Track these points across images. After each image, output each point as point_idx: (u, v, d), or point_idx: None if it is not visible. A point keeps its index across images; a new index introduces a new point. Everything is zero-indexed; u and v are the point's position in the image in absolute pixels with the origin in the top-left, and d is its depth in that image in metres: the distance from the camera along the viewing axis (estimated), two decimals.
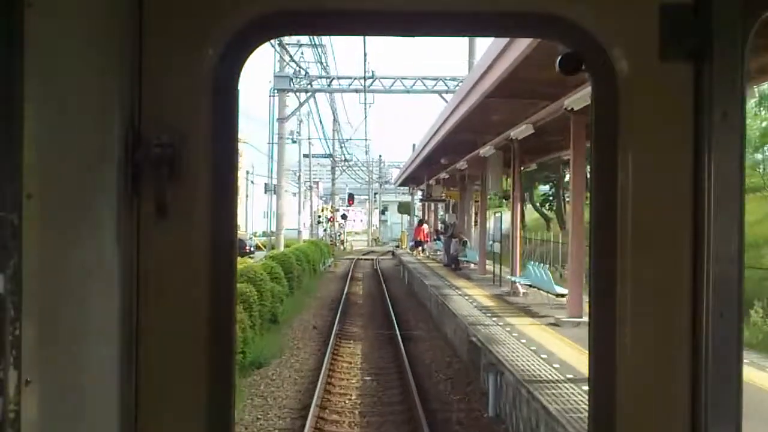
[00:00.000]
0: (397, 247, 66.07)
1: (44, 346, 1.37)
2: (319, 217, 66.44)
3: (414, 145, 53.51)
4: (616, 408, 1.88)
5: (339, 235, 70.65)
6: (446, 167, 32.72)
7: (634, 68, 1.85)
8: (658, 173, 1.86)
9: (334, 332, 21.67)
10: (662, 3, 1.83)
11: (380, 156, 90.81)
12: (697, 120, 1.83)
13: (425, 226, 50.12)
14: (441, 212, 51.27)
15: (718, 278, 1.80)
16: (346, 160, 69.59)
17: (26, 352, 1.28)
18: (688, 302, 1.84)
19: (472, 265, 32.72)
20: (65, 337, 1.51)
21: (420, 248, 47.38)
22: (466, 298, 22.35)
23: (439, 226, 46.03)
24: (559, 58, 1.96)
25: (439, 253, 42.39)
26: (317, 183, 74.58)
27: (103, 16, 1.68)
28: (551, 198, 50.52)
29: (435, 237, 45.30)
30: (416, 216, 70.42)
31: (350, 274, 43.50)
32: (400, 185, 65.09)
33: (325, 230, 65.44)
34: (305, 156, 64.91)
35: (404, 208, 66.49)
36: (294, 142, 56.92)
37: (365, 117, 51.40)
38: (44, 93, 1.37)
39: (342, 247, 69.53)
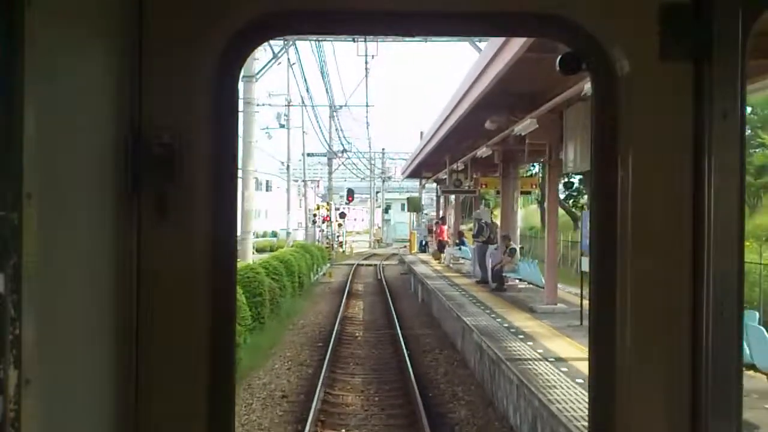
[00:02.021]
0: (406, 247, 53.92)
1: (44, 345, 1.36)
2: (314, 215, 56.33)
3: (422, 133, 43.94)
4: (617, 408, 1.88)
5: (337, 236, 60.42)
6: (491, 136, 21.78)
7: (634, 68, 1.86)
8: (658, 173, 1.87)
9: (314, 408, 11.80)
10: (662, 3, 1.83)
11: (383, 149, 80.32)
12: (697, 120, 1.83)
13: (443, 226, 39.17)
14: (461, 209, 40.56)
15: (719, 277, 1.80)
16: (344, 150, 59.18)
17: (26, 351, 1.27)
18: (688, 301, 1.84)
19: (519, 283, 22.24)
20: (65, 337, 1.50)
21: (442, 254, 36.60)
22: (563, 368, 11.52)
23: (462, 227, 35.34)
24: (559, 57, 1.97)
25: (462, 262, 31.79)
26: (317, 182, 64.74)
27: (103, 15, 1.68)
28: (576, 194, 40.67)
29: (457, 241, 34.54)
30: (425, 214, 60.14)
31: (348, 286, 33.30)
32: (409, 177, 53.77)
33: (321, 231, 55.84)
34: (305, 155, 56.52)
35: (413, 205, 54.97)
36: (282, 126, 46.57)
37: (366, 74, 40.35)
38: (44, 93, 1.36)
39: (341, 250, 59.78)
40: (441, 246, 36.57)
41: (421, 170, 41.79)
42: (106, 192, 1.70)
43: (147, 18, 1.79)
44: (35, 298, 1.30)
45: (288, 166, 48.62)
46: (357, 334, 20.97)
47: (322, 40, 30.93)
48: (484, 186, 30.26)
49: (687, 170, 1.83)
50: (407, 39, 28.73)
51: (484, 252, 24.13)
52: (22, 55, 1.26)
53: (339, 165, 60.69)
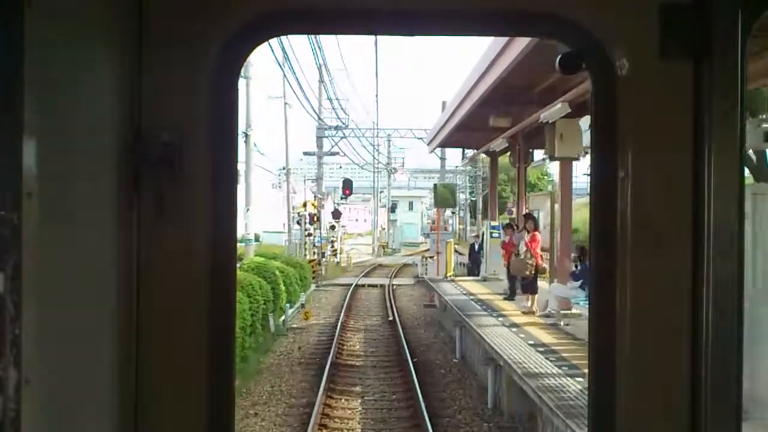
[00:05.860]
0: (426, 260, 34.02)
1: (44, 345, 1.42)
2: (299, 214, 44.35)
3: (444, 103, 34.93)
4: (616, 406, 1.95)
5: (331, 242, 50.24)
6: None
7: (633, 67, 1.93)
8: (658, 172, 1.93)
9: None
10: (662, 2, 1.90)
11: (389, 136, 65.38)
12: (696, 119, 1.89)
13: (537, 233, 18.78)
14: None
15: (719, 276, 1.84)
16: (339, 127, 42.93)
17: (26, 351, 1.32)
18: (688, 300, 1.90)
19: None
20: (65, 337, 1.58)
21: (534, 294, 18.49)
22: None
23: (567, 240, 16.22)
24: (559, 57, 2.03)
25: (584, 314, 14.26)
26: (317, 181, 50.01)
27: (104, 15, 1.75)
28: None
29: (575, 267, 16.19)
30: (453, 212, 42.90)
31: (335, 343, 17.34)
32: (442, 146, 36.44)
33: (309, 235, 43.85)
34: (306, 154, 47.90)
35: (443, 197, 34.13)
36: (242, 76, 29.65)
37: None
38: (44, 93, 1.43)
39: (334, 261, 44.58)
40: (533, 279, 18.42)
41: (486, 115, 20.82)
42: (106, 191, 1.77)
43: (147, 18, 1.87)
44: (35, 298, 1.37)
45: (246, 135, 30.36)
46: None
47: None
48: None
49: (687, 170, 1.90)
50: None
51: None
52: (22, 55, 1.32)
53: (334, 145, 45.40)
